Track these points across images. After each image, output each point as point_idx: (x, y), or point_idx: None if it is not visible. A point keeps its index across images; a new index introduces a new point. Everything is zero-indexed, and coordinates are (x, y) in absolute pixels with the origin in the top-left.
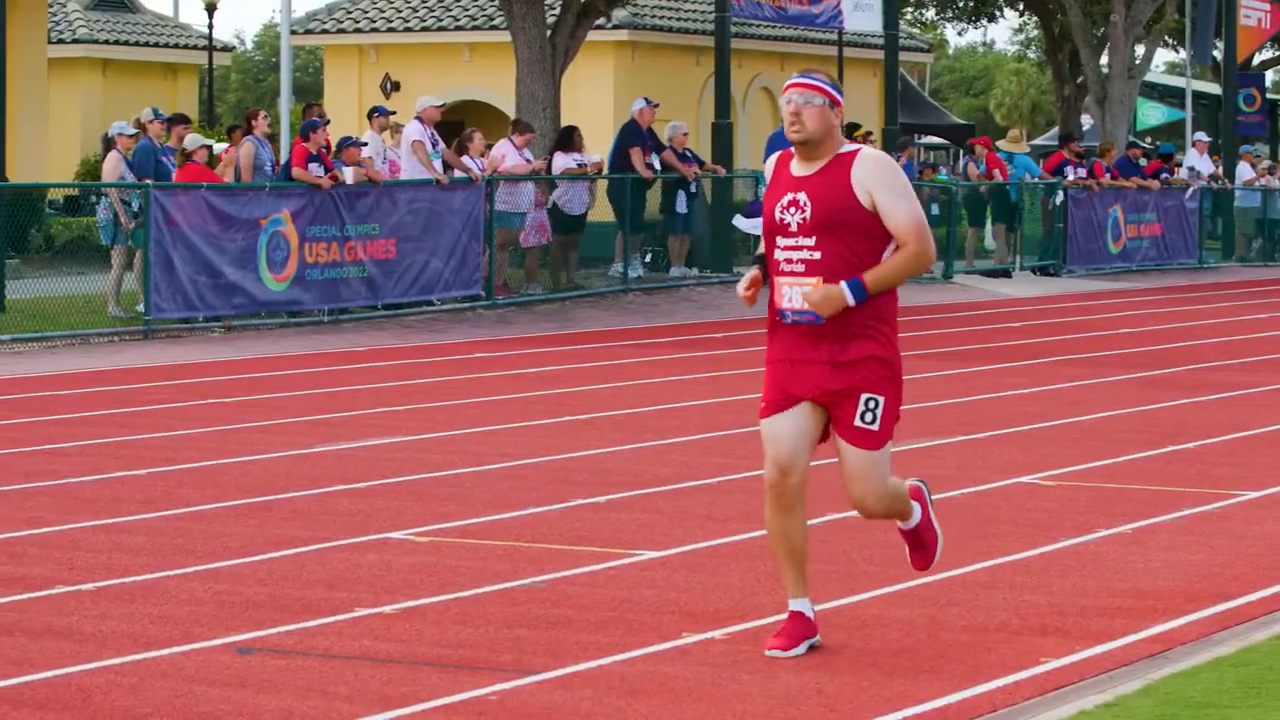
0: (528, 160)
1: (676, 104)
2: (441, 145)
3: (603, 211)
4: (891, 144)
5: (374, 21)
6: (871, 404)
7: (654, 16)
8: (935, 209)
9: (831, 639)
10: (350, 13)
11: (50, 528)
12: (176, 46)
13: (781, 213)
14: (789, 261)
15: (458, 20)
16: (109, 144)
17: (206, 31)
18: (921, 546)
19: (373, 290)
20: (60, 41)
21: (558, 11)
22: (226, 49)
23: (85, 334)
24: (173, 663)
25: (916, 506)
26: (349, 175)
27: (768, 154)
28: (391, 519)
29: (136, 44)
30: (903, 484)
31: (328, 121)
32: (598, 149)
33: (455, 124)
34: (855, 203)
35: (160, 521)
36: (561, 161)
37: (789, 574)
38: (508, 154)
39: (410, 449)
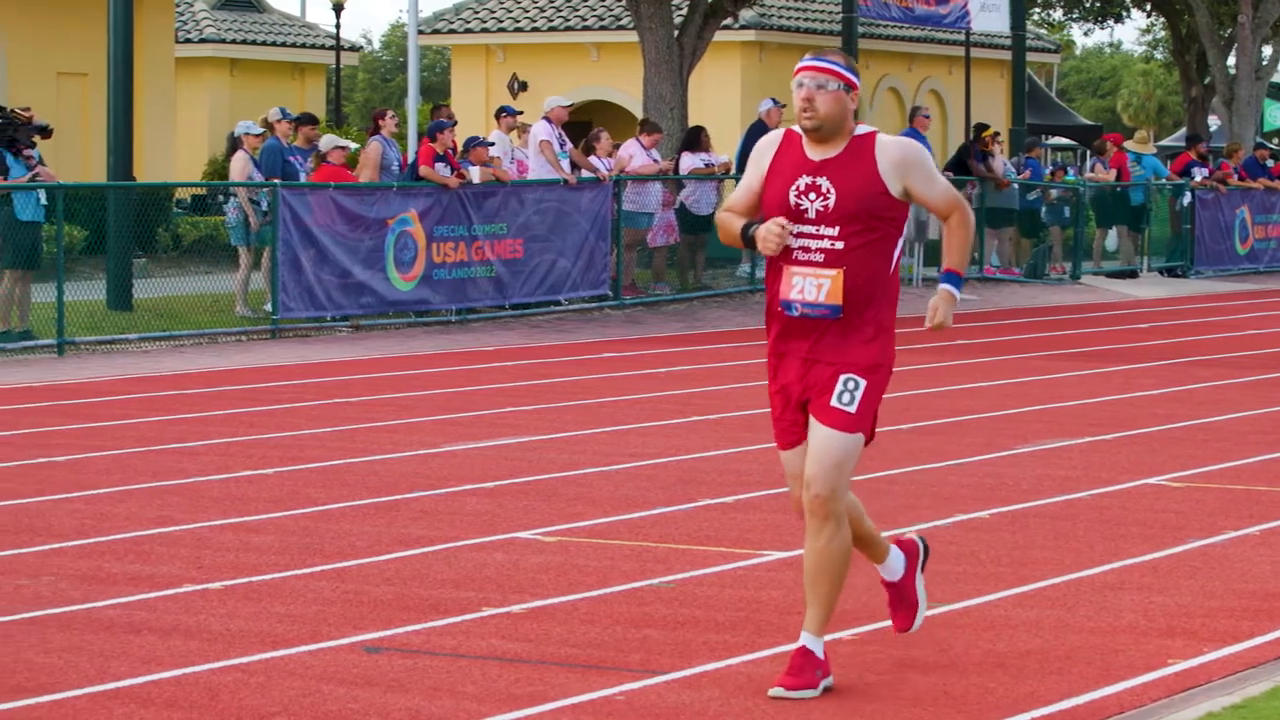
0: (655, 160)
1: None
2: (569, 145)
3: None
4: (1019, 145)
5: (501, 21)
6: (850, 384)
7: (781, 17)
8: (1066, 211)
9: (959, 640)
10: (477, 13)
11: (178, 526)
12: (303, 46)
13: (799, 197)
14: (805, 250)
15: (585, 20)
16: (235, 143)
17: (334, 31)
18: (903, 604)
19: (500, 290)
20: (187, 41)
21: (685, 11)
22: (354, 49)
23: (213, 333)
24: (300, 662)
25: (900, 558)
26: (476, 175)
27: (746, 143)
28: (520, 518)
29: (263, 44)
30: (862, 511)
31: (455, 123)
32: (725, 149)
33: (583, 124)
34: (883, 188)
35: (288, 520)
36: (689, 162)
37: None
38: (635, 154)
39: (538, 449)
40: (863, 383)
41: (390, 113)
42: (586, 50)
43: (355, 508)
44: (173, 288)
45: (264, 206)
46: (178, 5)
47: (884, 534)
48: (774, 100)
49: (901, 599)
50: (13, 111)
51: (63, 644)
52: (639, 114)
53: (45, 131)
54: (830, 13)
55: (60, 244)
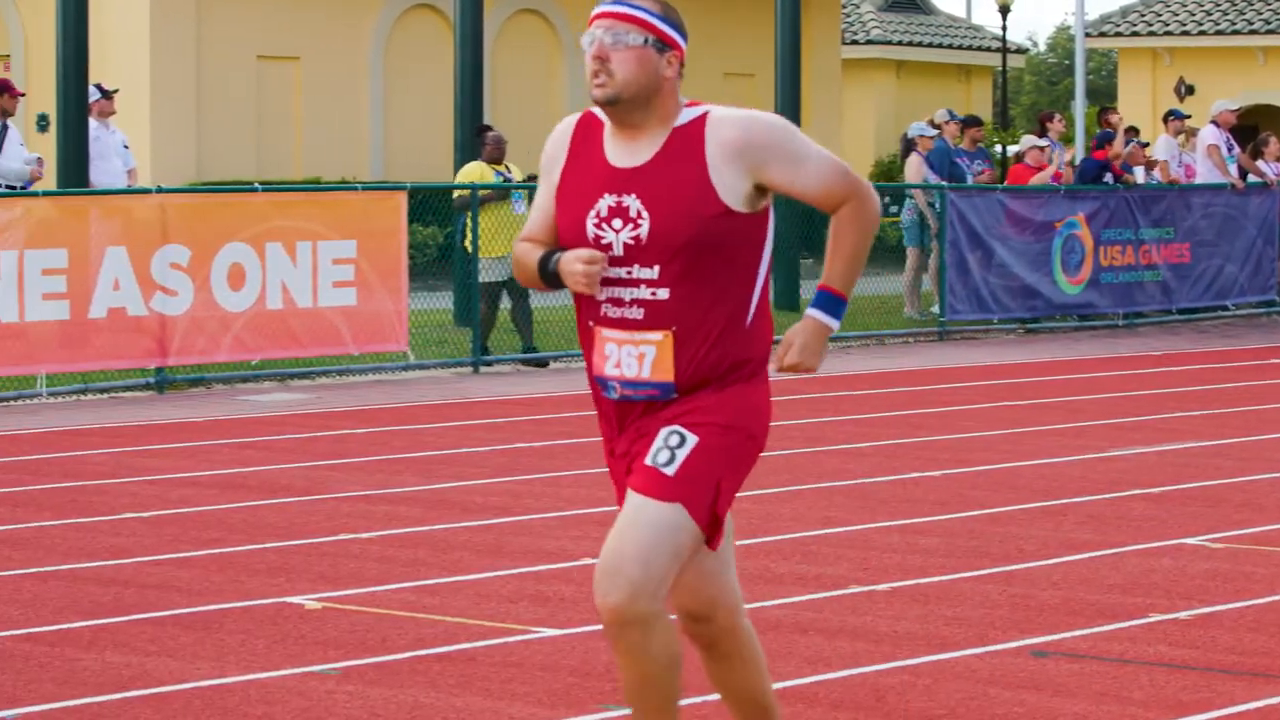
0: None
1: None
2: (1237, 149)
3: None
4: None
5: (1167, 25)
6: (674, 440)
7: None
8: None
9: None
10: (1144, 15)
11: (845, 527)
12: (969, 48)
13: (599, 226)
14: (617, 303)
15: (1252, 24)
16: (909, 145)
17: (1000, 33)
18: None
19: (1166, 294)
20: (854, 42)
21: None
22: (1020, 50)
23: (880, 334)
24: (966, 665)
25: None
26: (1140, 176)
27: None
28: (1186, 524)
29: (929, 45)
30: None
31: (1126, 129)
32: None
33: (1249, 128)
34: (717, 204)
35: (953, 523)
36: None
37: None
38: None
39: (1205, 454)
40: (691, 438)
41: (1057, 116)
42: (1253, 54)
43: (1022, 511)
44: None
45: (937, 208)
46: (844, 7)
47: None
48: None
49: None
50: None
51: None
52: None
53: None
54: None
55: None
